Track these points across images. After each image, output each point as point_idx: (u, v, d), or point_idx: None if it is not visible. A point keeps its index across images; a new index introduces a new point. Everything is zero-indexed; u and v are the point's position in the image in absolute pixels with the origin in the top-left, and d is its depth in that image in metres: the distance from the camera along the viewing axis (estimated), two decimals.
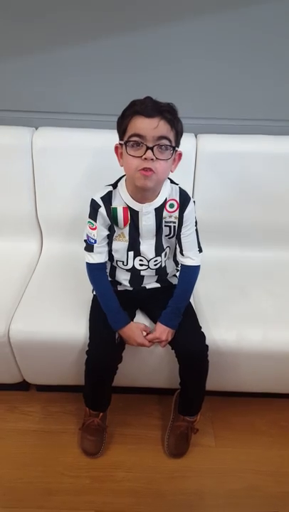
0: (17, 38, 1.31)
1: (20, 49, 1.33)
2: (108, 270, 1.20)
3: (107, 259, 1.16)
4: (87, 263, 1.15)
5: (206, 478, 1.24)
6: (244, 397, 1.42)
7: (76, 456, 1.27)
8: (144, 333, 1.15)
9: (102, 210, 1.08)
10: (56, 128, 1.40)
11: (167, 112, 0.95)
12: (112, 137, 1.03)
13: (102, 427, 1.26)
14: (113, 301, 1.15)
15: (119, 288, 1.22)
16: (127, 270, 1.17)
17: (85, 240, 1.13)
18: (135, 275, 1.18)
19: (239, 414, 1.40)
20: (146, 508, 1.16)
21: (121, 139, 1.00)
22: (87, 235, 1.12)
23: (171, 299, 1.15)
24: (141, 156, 0.94)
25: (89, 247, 1.13)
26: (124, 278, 1.19)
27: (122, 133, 0.99)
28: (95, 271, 1.15)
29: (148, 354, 1.20)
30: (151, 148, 0.94)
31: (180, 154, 1.04)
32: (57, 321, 1.21)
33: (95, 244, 1.11)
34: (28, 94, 1.41)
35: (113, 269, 1.20)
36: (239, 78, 1.36)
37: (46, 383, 1.40)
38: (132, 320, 1.19)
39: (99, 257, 1.13)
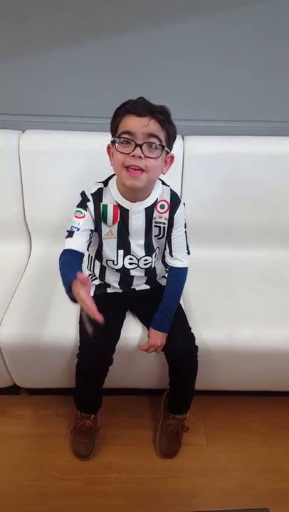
0: (3, 40, 1.31)
1: (6, 51, 1.33)
2: (98, 272, 1.20)
3: (83, 252, 1.07)
4: (63, 249, 1.05)
5: (198, 477, 1.24)
6: (235, 396, 1.43)
7: (68, 459, 1.27)
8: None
9: (91, 205, 1.07)
10: (43, 131, 1.40)
11: (159, 113, 0.95)
12: (101, 139, 1.04)
13: (94, 429, 1.26)
14: (72, 270, 0.95)
15: (109, 290, 1.22)
16: (117, 270, 1.17)
17: (68, 230, 1.07)
18: (125, 276, 1.18)
19: (230, 413, 1.42)
20: (139, 508, 1.17)
21: (113, 137, 1.00)
22: (71, 225, 1.07)
23: (161, 303, 1.16)
24: (129, 153, 0.95)
25: (69, 234, 1.06)
26: (114, 280, 1.19)
27: (113, 131, 1.00)
28: (68, 256, 1.04)
29: (138, 355, 1.20)
30: (140, 146, 0.94)
31: (172, 157, 1.05)
32: (47, 324, 1.21)
33: (76, 232, 1.05)
34: (15, 97, 1.41)
35: (103, 270, 1.20)
36: (226, 80, 1.37)
37: (37, 387, 1.40)
38: (122, 322, 1.20)
39: (77, 244, 1.04)
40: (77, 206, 1.08)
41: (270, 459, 1.29)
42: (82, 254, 1.07)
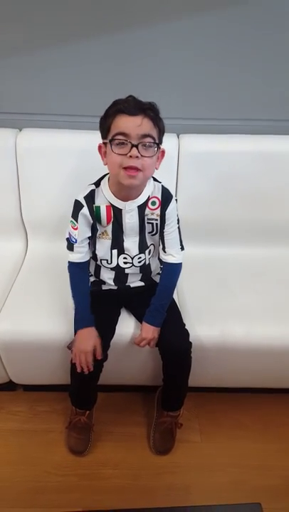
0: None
1: (3, 51, 1.34)
2: (93, 269, 1.22)
3: (87, 259, 1.17)
4: (68, 261, 1.16)
5: (193, 474, 1.25)
6: (229, 393, 1.44)
7: (64, 455, 1.28)
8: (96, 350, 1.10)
9: (85, 211, 1.09)
10: (40, 129, 1.41)
11: (150, 110, 0.97)
12: (96, 138, 1.04)
13: (89, 425, 1.27)
14: (86, 300, 1.14)
15: (104, 287, 1.23)
16: (112, 269, 1.18)
17: (67, 239, 1.14)
18: (119, 273, 1.19)
19: (224, 410, 1.42)
20: (134, 504, 1.17)
21: (104, 137, 1.01)
22: (69, 233, 1.13)
23: (153, 297, 1.17)
24: (126, 154, 0.96)
25: (70, 246, 1.14)
26: (108, 277, 1.20)
27: (105, 132, 1.00)
28: (75, 269, 1.16)
29: (133, 352, 1.21)
30: (136, 146, 0.95)
31: (163, 152, 1.06)
32: (43, 320, 1.22)
33: (75, 244, 1.13)
34: (12, 96, 1.42)
35: (98, 268, 1.21)
36: (221, 78, 1.38)
37: (33, 383, 1.41)
38: (117, 318, 1.21)
39: (78, 256, 1.14)
40: (72, 215, 1.11)
41: (263, 456, 1.30)
42: (87, 261, 1.17)
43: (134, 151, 0.95)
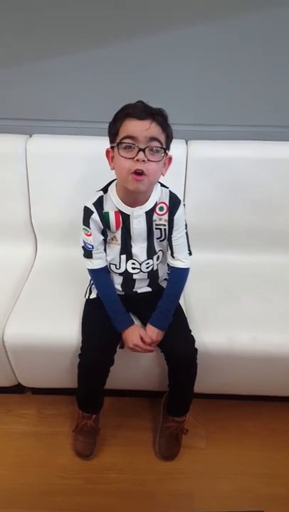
0: (10, 47, 1.34)
1: (13, 58, 1.36)
2: None
3: (107, 263, 1.18)
4: (88, 269, 1.18)
5: (197, 480, 1.25)
6: (235, 400, 1.44)
7: (70, 458, 1.29)
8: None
9: (95, 216, 1.09)
10: (50, 135, 1.43)
11: (158, 115, 0.98)
12: (105, 144, 1.05)
13: (95, 429, 1.28)
14: (117, 303, 1.17)
15: None
16: (120, 274, 1.19)
17: (83, 247, 1.15)
18: (127, 279, 1.20)
19: (230, 417, 1.42)
20: (138, 509, 1.18)
21: (112, 142, 1.02)
22: (84, 242, 1.14)
23: (160, 300, 1.17)
24: (133, 158, 0.97)
25: (87, 253, 1.15)
26: (117, 282, 1.21)
27: (113, 136, 1.01)
28: (97, 275, 1.18)
29: (139, 357, 1.22)
30: (143, 150, 0.96)
31: (170, 158, 1.07)
32: (51, 324, 1.23)
33: (93, 250, 1.13)
34: (22, 102, 1.44)
35: None
36: (230, 84, 1.38)
37: (41, 386, 1.43)
38: None
39: (99, 262, 1.15)
40: (83, 223, 1.12)
41: (269, 464, 1.30)
42: (107, 266, 1.18)
43: (141, 154, 0.96)
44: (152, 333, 1.15)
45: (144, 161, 0.96)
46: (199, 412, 1.41)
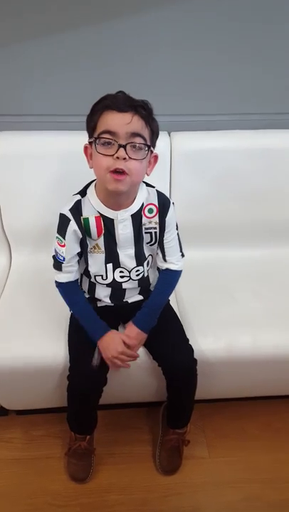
0: None
1: None
2: (86, 287, 1.12)
3: (78, 276, 1.08)
4: (56, 281, 1.07)
5: (202, 493, 1.19)
6: (234, 401, 1.38)
7: (64, 483, 1.19)
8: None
9: (73, 224, 0.98)
10: (19, 132, 1.29)
11: (141, 108, 0.87)
12: (81, 139, 0.94)
13: (90, 450, 1.18)
14: (88, 311, 1.06)
15: (99, 304, 1.13)
16: (108, 285, 1.08)
17: (54, 256, 1.04)
18: (116, 289, 1.09)
19: (230, 420, 1.36)
20: None
21: (91, 137, 0.91)
22: (55, 251, 1.03)
23: (146, 302, 1.09)
24: (112, 155, 0.86)
25: (57, 265, 1.04)
26: (104, 295, 1.10)
27: (91, 130, 0.91)
28: (65, 289, 1.07)
29: (134, 368, 1.12)
30: (124, 147, 0.86)
31: (156, 157, 0.97)
32: (33, 343, 1.12)
33: (63, 263, 1.02)
34: None
35: (92, 285, 1.10)
36: (213, 71, 1.29)
37: (25, 408, 1.32)
38: None
39: (68, 276, 1.05)
40: (57, 231, 1.01)
41: (276, 467, 1.25)
42: (77, 279, 1.08)
43: (122, 151, 0.85)
44: (132, 331, 1.05)
45: (124, 158, 0.86)
46: (198, 417, 1.34)
